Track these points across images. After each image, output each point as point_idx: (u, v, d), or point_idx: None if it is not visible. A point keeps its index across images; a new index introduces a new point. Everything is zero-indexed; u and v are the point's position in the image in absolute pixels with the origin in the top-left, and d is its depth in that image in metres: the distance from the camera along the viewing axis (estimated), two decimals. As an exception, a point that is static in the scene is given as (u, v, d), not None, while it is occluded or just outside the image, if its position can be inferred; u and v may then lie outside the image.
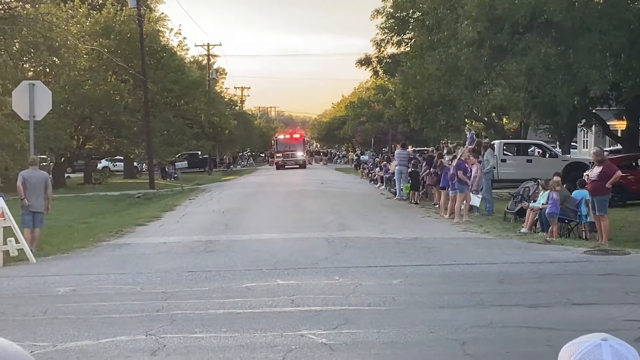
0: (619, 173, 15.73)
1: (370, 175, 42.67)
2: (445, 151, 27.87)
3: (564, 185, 17.63)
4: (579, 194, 16.50)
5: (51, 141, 33.93)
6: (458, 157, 20.55)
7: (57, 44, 31.71)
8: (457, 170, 19.75)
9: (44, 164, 43.35)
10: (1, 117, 25.19)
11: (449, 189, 20.53)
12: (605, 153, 20.11)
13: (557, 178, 17.22)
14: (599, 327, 7.64)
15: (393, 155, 32.70)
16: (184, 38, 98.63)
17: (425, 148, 40.90)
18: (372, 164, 46.63)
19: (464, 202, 19.70)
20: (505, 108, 23.96)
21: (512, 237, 16.23)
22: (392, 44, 32.26)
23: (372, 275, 11.67)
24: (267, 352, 7.29)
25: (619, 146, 31.54)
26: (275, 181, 42.21)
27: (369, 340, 7.69)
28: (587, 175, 16.40)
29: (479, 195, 21.02)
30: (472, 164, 20.48)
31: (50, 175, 41.69)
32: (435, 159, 24.80)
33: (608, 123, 31.81)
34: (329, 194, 29.91)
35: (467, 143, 26.33)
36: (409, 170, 26.32)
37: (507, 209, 20.73)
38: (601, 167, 15.55)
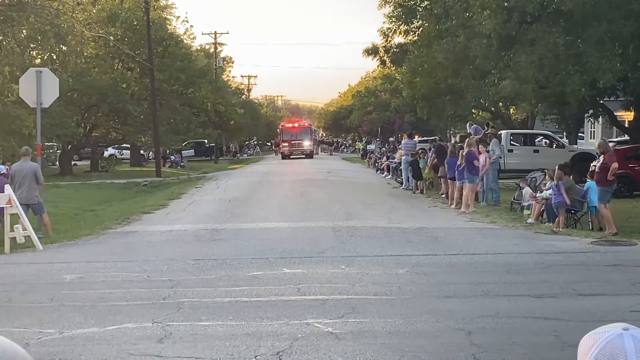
0: (615, 165, 15.60)
1: (377, 164, 42.63)
2: (452, 141, 27.80)
3: (570, 177, 17.58)
4: (590, 184, 16.48)
5: (58, 129, 33.98)
6: (466, 147, 20.50)
7: (64, 31, 31.67)
8: (467, 161, 19.73)
9: (51, 151, 43.50)
10: (9, 103, 25.16)
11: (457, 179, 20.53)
12: (611, 144, 20.03)
13: (558, 170, 17.13)
14: (606, 317, 7.62)
15: (399, 145, 32.64)
16: (191, 26, 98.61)
17: (431, 137, 40.71)
18: (379, 154, 46.57)
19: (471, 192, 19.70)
20: (514, 100, 23.80)
21: (519, 228, 16.21)
22: (400, 33, 32.17)
23: (378, 264, 11.67)
24: (273, 341, 7.30)
25: (627, 137, 31.41)
26: (281, 170, 42.18)
27: (375, 329, 7.69)
28: (594, 166, 16.42)
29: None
30: (481, 154, 20.46)
31: (57, 163, 42.07)
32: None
33: (615, 114, 31.64)
34: (336, 183, 29.88)
35: (473, 133, 26.24)
36: (410, 159, 26.25)
37: (514, 199, 20.70)
38: (603, 158, 15.56)
